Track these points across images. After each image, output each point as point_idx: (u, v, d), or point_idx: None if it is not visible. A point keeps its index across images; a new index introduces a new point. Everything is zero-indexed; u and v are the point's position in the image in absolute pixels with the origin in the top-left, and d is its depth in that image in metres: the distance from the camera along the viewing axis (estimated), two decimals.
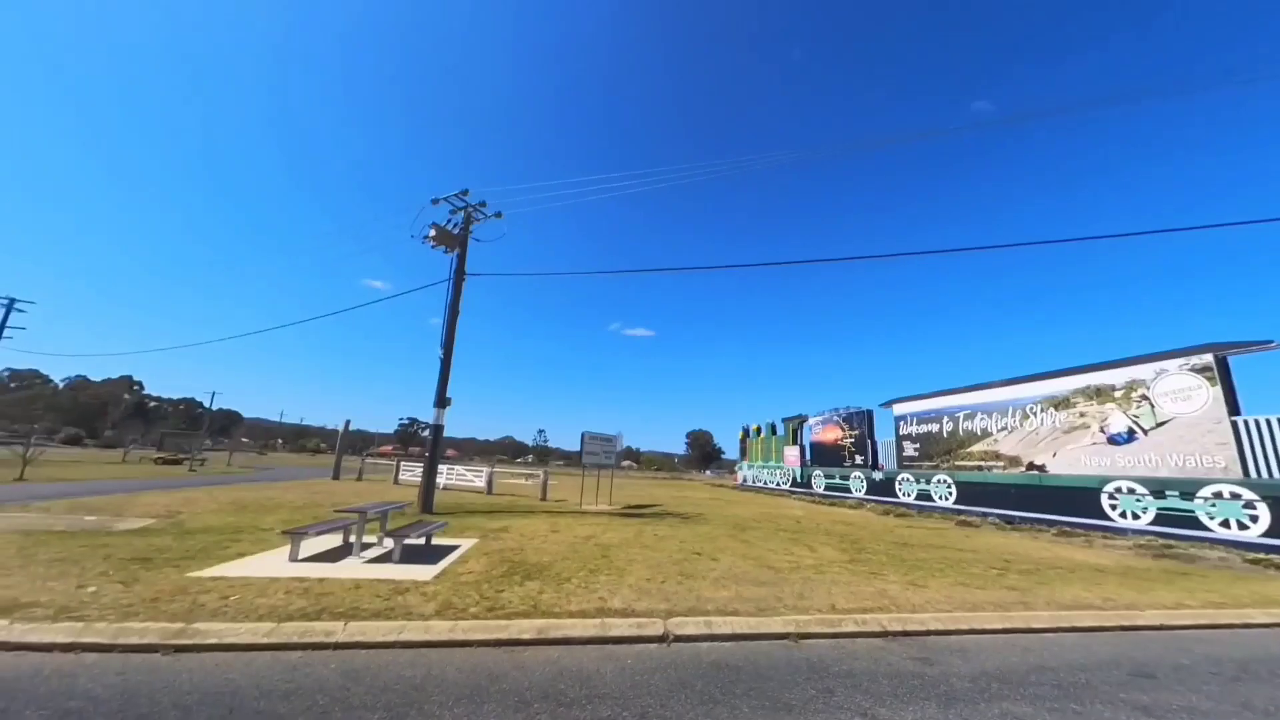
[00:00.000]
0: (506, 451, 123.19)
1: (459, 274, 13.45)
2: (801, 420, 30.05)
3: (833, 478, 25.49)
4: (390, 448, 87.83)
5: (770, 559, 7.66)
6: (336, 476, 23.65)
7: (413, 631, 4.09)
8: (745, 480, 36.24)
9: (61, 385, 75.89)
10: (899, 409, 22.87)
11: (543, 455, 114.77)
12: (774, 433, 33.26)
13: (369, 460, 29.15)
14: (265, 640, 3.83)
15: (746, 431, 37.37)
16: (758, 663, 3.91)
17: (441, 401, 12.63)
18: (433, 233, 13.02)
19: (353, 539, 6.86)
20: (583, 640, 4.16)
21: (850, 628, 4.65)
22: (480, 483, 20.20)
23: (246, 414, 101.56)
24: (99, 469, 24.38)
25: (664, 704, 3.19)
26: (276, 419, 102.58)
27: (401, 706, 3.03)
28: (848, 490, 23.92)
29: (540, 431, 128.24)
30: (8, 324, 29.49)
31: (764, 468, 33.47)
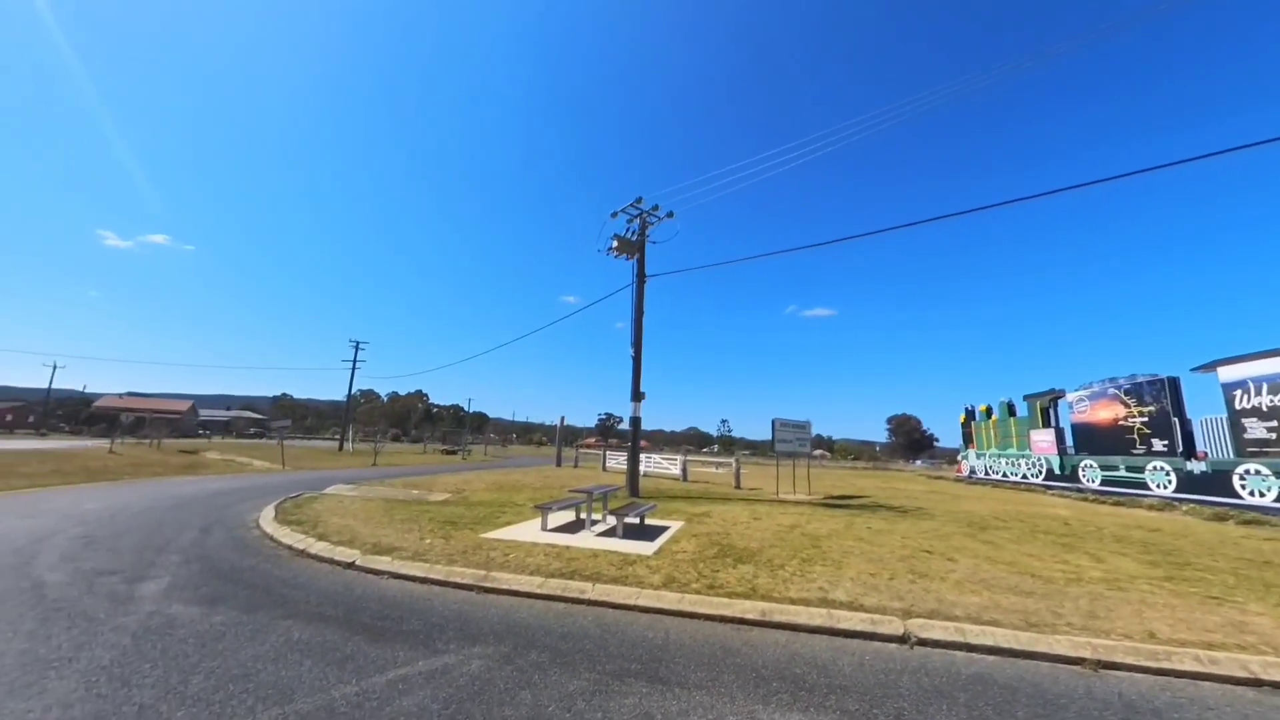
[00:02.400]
0: (692, 442, 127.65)
1: (640, 277, 14.46)
2: (1055, 396, 23.56)
3: (1115, 469, 19.37)
4: (594, 439, 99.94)
5: (1031, 565, 6.24)
6: (558, 464, 27.97)
7: (646, 598, 4.57)
8: (972, 471, 30.21)
9: (385, 399, 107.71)
10: (1228, 373, 16.04)
11: (727, 444, 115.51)
12: (1011, 413, 26.88)
13: (580, 451, 33.68)
14: (539, 591, 4.76)
15: (969, 413, 31.06)
16: (1040, 686, 3.22)
17: (636, 395, 13.77)
18: (615, 244, 14.27)
19: (583, 515, 8.01)
20: (809, 629, 4.05)
21: (1188, 665, 3.46)
22: (675, 470, 21.40)
23: (491, 414, 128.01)
24: (412, 457, 33.98)
25: (920, 710, 2.88)
26: (510, 417, 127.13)
27: (651, 662, 3.41)
28: (1143, 485, 17.90)
29: (723, 421, 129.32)
30: (358, 359, 43.31)
31: (1000, 456, 27.40)
